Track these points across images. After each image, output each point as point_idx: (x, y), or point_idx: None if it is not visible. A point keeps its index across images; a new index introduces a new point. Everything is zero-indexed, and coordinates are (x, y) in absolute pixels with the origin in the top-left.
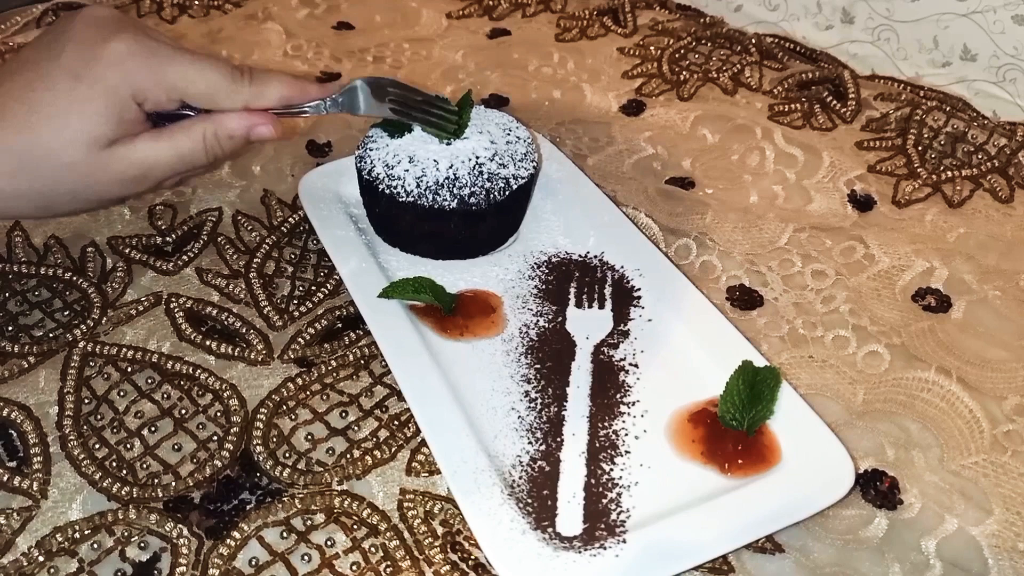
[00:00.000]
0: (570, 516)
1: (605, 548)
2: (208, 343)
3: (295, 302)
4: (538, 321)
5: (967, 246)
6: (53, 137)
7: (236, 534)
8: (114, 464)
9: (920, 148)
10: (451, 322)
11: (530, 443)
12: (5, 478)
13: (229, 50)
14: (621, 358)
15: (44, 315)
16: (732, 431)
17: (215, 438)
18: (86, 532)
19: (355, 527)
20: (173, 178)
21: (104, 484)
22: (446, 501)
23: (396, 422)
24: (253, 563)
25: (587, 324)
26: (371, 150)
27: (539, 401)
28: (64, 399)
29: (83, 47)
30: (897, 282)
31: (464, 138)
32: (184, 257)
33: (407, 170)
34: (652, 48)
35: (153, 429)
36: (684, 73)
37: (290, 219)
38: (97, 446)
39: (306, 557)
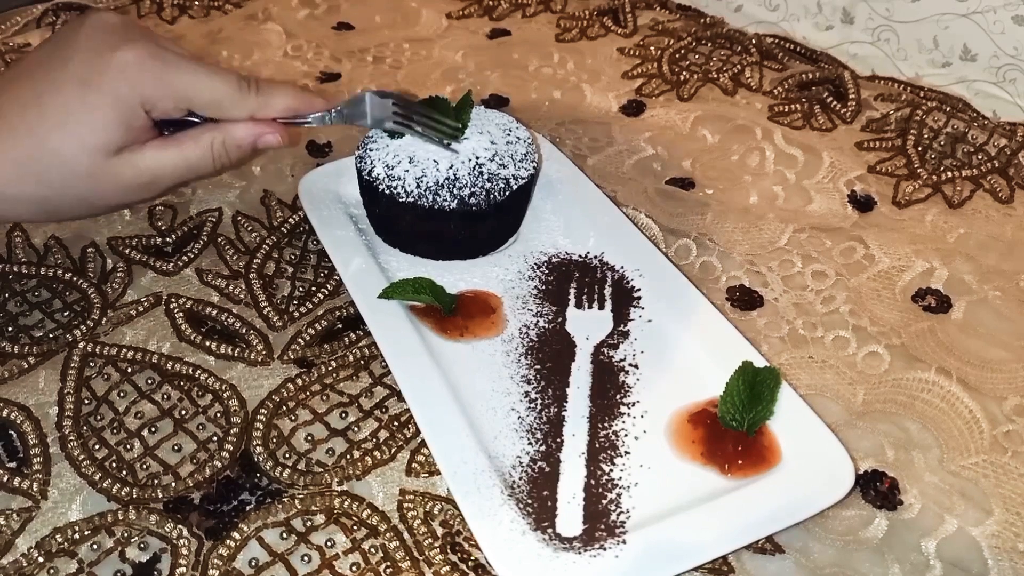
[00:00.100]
0: (570, 517)
1: (605, 549)
2: (208, 344)
3: (295, 303)
4: (538, 322)
5: (967, 246)
6: (61, 144)
7: (236, 535)
8: (114, 465)
9: (920, 148)
10: (451, 323)
11: (530, 444)
12: (5, 479)
13: (229, 50)
14: (621, 359)
15: (44, 315)
16: (732, 432)
17: (215, 439)
18: (86, 533)
19: (355, 528)
20: (179, 185)
21: (104, 485)
22: (446, 502)
23: (396, 423)
24: (253, 564)
25: (587, 324)
26: (371, 150)
27: (539, 402)
28: (64, 400)
29: (92, 54)
30: (897, 282)
31: (464, 138)
32: (184, 258)
33: (407, 170)
34: (652, 48)
35: (153, 430)
36: (684, 73)
37: (290, 219)
38: (97, 447)
39: (306, 558)
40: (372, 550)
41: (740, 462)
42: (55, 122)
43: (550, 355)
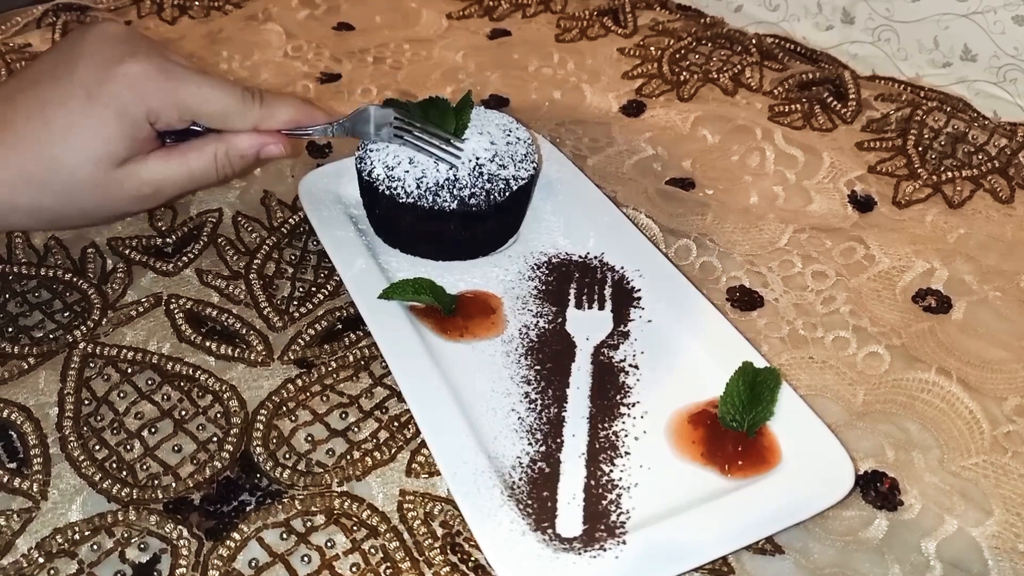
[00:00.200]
0: (570, 517)
1: (605, 549)
2: (208, 344)
3: (295, 303)
4: (538, 322)
5: (967, 247)
6: (66, 155)
7: (236, 535)
8: (114, 465)
9: (920, 149)
10: (451, 323)
11: (530, 444)
12: (5, 479)
13: (229, 51)
14: (621, 359)
15: (44, 316)
16: (732, 432)
17: (215, 439)
18: (86, 533)
19: (355, 528)
20: (182, 195)
21: (104, 485)
22: (446, 502)
23: (396, 423)
24: (253, 564)
25: (587, 325)
26: (371, 151)
27: (539, 402)
28: (64, 400)
29: (97, 65)
30: (897, 283)
31: (464, 139)
32: (184, 258)
33: (407, 171)
34: (652, 48)
35: (153, 430)
36: (684, 74)
37: (290, 220)
38: (97, 447)
39: (306, 558)
40: (372, 551)
41: (740, 463)
42: (60, 134)
43: (550, 355)
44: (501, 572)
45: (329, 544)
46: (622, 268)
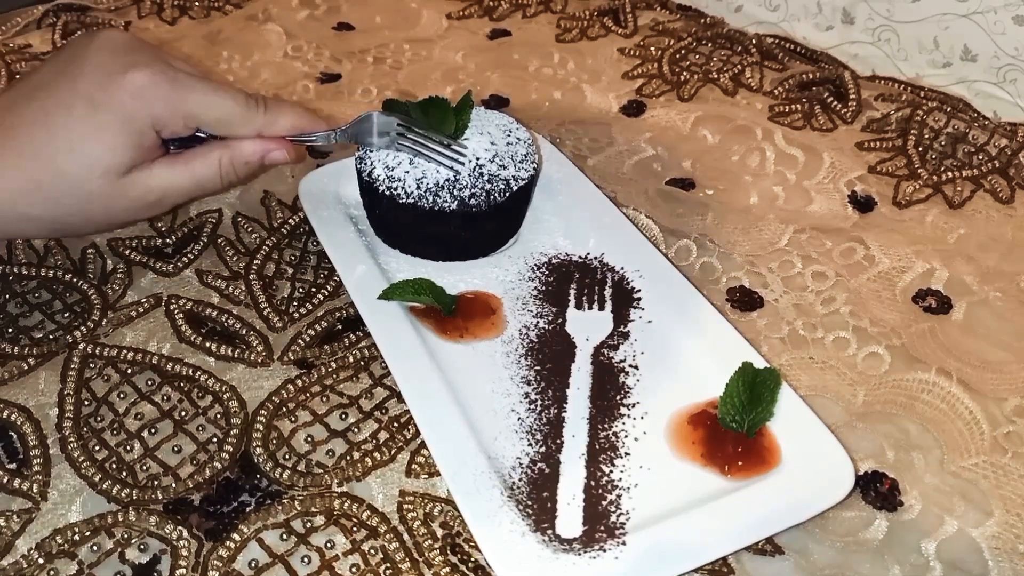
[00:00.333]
0: (570, 518)
1: (605, 550)
2: (208, 345)
3: (295, 304)
4: (538, 323)
5: (968, 247)
6: (71, 164)
7: (236, 536)
8: (114, 466)
9: (921, 149)
10: (451, 324)
11: (530, 445)
12: (5, 480)
13: (229, 51)
14: (621, 360)
15: (44, 317)
16: (732, 433)
17: (215, 440)
18: (86, 534)
19: (355, 529)
20: (187, 202)
21: (104, 486)
22: (446, 503)
23: (396, 424)
24: (253, 565)
25: (587, 325)
26: (371, 151)
27: (539, 403)
28: (64, 401)
29: (101, 74)
30: (897, 283)
31: (464, 139)
32: (184, 259)
33: (407, 172)
34: (652, 49)
35: (153, 431)
36: (684, 74)
37: (290, 220)
38: (97, 448)
39: (306, 559)
40: (372, 551)
41: (740, 463)
42: (64, 144)
43: (550, 356)
44: (501, 573)
45: (329, 545)
46: (622, 268)
